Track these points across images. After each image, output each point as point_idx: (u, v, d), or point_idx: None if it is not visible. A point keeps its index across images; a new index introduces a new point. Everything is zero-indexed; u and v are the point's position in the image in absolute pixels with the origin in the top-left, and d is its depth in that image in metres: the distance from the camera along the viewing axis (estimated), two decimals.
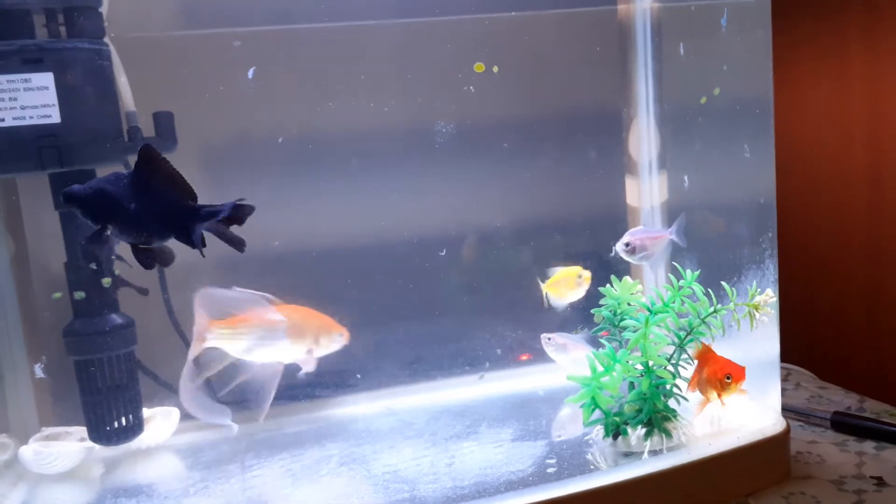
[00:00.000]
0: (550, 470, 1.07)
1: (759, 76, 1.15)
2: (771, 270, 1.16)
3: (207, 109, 1.25)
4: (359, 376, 1.33)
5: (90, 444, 1.17)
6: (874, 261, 1.53)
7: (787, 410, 1.33)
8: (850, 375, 1.56)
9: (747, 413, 1.16)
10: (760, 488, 1.10)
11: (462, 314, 1.43)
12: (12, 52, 1.02)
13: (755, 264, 1.17)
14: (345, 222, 1.35)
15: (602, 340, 1.19)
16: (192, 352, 1.07)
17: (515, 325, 1.43)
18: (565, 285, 1.27)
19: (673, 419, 1.11)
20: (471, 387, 1.41)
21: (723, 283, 1.12)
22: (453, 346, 1.34)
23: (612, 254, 1.24)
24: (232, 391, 1.11)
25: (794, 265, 1.61)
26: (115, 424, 1.15)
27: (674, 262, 1.21)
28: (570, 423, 1.21)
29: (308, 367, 1.10)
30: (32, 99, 1.03)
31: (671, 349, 1.12)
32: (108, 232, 0.86)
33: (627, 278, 1.20)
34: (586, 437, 1.15)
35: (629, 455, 1.08)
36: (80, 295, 1.12)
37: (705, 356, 1.10)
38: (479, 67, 1.31)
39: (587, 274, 1.27)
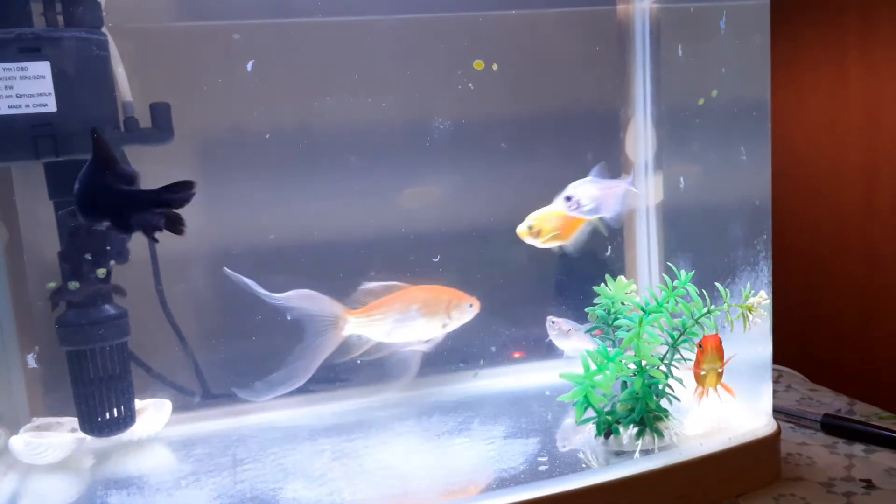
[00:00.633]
0: (542, 468, 1.07)
1: (757, 79, 1.16)
2: (765, 272, 1.16)
3: (205, 101, 1.25)
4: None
5: (81, 435, 1.16)
6: (868, 264, 1.54)
7: (778, 412, 1.34)
8: (841, 378, 1.57)
9: (738, 414, 1.17)
10: (751, 489, 1.11)
11: None
12: (9, 40, 1.01)
13: (749, 266, 1.18)
14: (339, 217, 1.35)
15: (596, 339, 1.19)
16: (333, 342, 1.13)
17: (510, 322, 1.43)
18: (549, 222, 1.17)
19: (665, 419, 1.11)
20: (464, 383, 1.42)
21: (717, 284, 1.12)
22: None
23: (608, 252, 1.24)
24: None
25: (789, 268, 1.61)
26: (107, 416, 1.14)
27: (668, 263, 1.22)
28: (573, 432, 1.19)
29: (429, 345, 1.17)
30: (29, 88, 1.02)
31: (664, 349, 1.13)
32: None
33: (622, 278, 1.21)
34: (576, 436, 1.15)
35: (621, 454, 1.09)
36: (74, 285, 1.12)
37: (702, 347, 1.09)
38: (478, 65, 1.31)
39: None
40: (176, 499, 1.06)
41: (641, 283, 1.48)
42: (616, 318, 1.19)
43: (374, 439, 1.21)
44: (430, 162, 1.35)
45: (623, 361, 1.08)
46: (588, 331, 1.22)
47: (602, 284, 1.21)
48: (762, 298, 1.11)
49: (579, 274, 1.41)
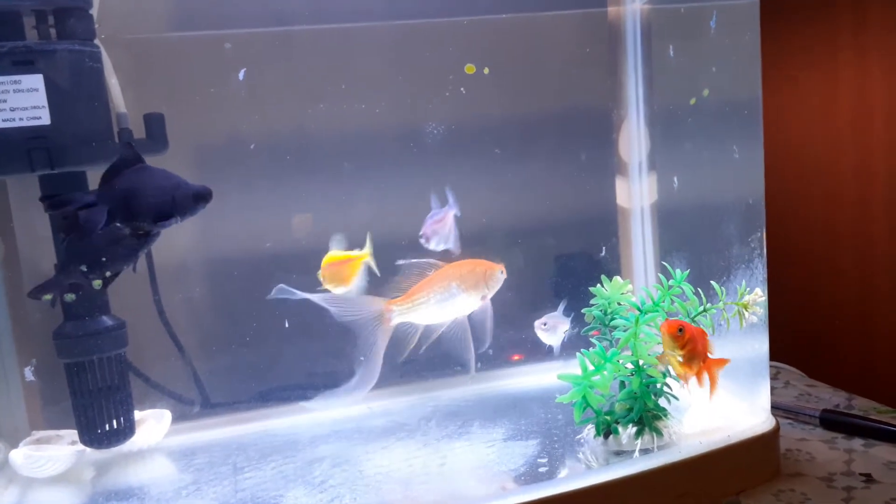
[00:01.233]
0: (542, 469, 1.08)
1: (748, 78, 1.16)
2: (760, 270, 1.17)
3: (199, 111, 1.25)
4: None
5: (81, 447, 1.16)
6: (864, 261, 1.55)
7: (776, 408, 1.34)
8: (839, 374, 1.58)
9: (737, 411, 1.17)
10: (751, 486, 1.11)
11: None
12: (2, 53, 1.02)
13: (744, 264, 1.18)
14: (332, 223, 1.35)
15: (593, 340, 1.20)
16: (385, 336, 1.13)
17: (507, 325, 1.43)
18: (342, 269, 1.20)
19: (663, 418, 1.11)
20: (463, 387, 1.42)
21: (712, 282, 1.12)
22: (446, 347, 1.33)
23: (602, 252, 1.24)
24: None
25: (784, 265, 1.62)
26: (107, 427, 1.14)
27: (664, 262, 1.22)
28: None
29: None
30: (22, 101, 1.03)
31: (661, 348, 1.13)
32: None
33: (618, 278, 1.21)
34: (577, 437, 1.15)
35: (620, 454, 1.09)
36: (70, 297, 1.12)
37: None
38: (469, 69, 1.31)
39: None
40: None
41: (637, 283, 1.48)
42: (613, 319, 1.19)
43: (373, 444, 1.21)
44: (424, 166, 1.35)
45: (620, 361, 1.09)
46: (585, 331, 1.22)
47: (598, 285, 1.21)
48: (757, 296, 1.11)
49: (576, 276, 1.41)
